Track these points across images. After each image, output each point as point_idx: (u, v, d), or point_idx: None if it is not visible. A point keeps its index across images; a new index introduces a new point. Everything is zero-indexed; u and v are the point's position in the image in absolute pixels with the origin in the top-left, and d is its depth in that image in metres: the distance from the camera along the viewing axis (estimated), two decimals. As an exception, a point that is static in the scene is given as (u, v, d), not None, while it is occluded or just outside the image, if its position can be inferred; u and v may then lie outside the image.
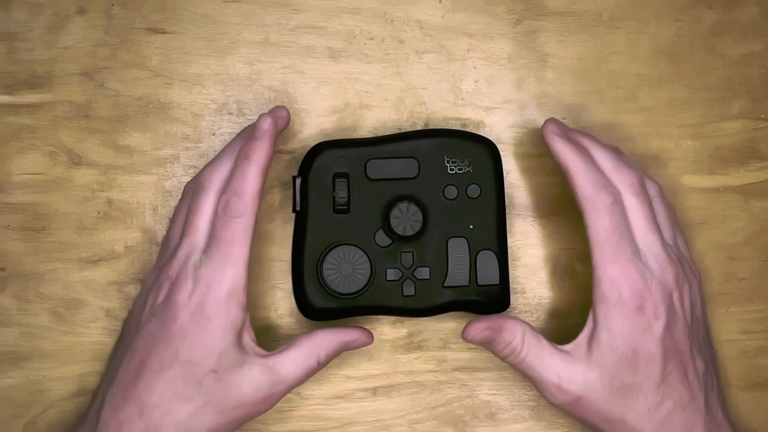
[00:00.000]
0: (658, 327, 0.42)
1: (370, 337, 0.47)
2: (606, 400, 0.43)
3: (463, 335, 0.45)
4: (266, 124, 0.43)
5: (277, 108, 0.46)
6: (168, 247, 0.46)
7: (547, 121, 0.46)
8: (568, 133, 0.46)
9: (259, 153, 0.43)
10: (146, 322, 0.43)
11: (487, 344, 0.45)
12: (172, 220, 0.48)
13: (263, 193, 0.45)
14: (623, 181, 0.44)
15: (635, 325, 0.42)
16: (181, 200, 0.47)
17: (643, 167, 0.49)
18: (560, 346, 0.44)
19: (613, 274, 0.43)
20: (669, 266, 0.43)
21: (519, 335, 0.44)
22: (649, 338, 0.42)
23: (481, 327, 0.44)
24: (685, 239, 0.48)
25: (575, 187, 0.44)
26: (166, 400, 0.41)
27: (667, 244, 0.44)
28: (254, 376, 0.43)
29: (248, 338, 0.43)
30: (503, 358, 0.45)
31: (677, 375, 0.43)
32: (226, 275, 0.42)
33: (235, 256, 0.42)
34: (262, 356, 0.43)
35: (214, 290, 0.42)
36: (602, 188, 0.44)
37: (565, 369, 0.43)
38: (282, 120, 0.46)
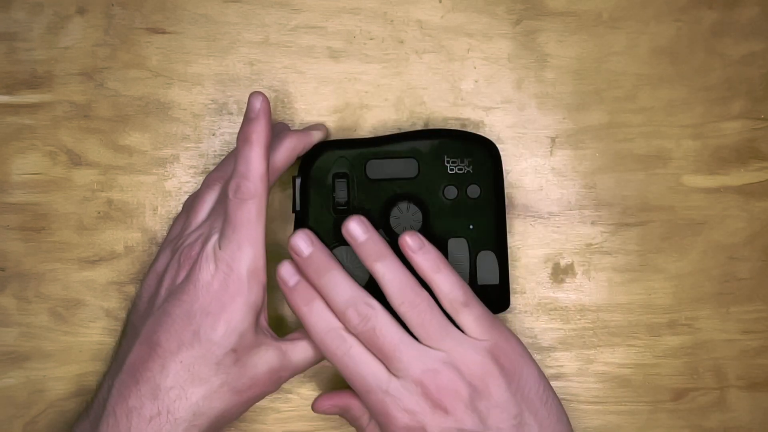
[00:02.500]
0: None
1: None
2: None
3: (313, 406, 0.47)
4: (258, 103, 0.43)
5: (253, 94, 0.44)
6: (172, 234, 0.47)
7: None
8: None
9: (258, 133, 0.43)
10: (162, 303, 0.43)
11: (340, 415, 0.47)
12: (172, 224, 0.48)
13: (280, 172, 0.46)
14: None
15: None
16: (181, 212, 0.48)
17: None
18: None
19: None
20: (426, 380, 0.42)
21: (366, 414, 0.46)
22: None
23: (329, 403, 0.47)
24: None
25: (308, 332, 0.44)
26: (182, 382, 0.41)
27: (423, 356, 0.43)
28: (269, 358, 0.44)
29: (263, 320, 0.44)
30: (355, 428, 0.47)
31: None
32: (246, 255, 0.43)
33: (252, 237, 0.43)
34: (276, 340, 0.44)
35: (235, 270, 0.42)
36: (335, 329, 0.44)
37: None
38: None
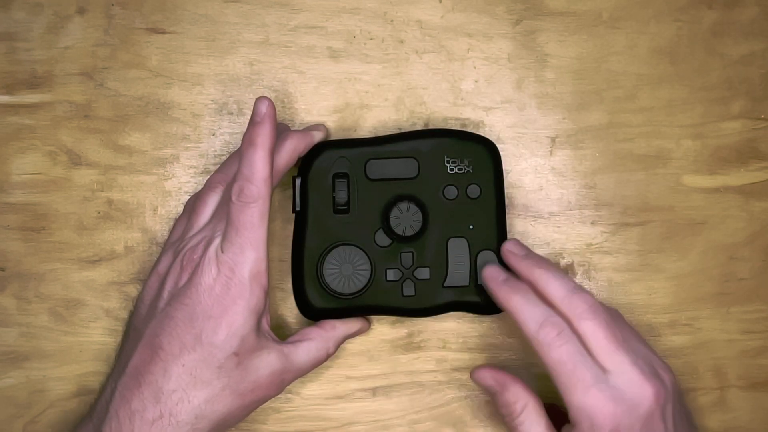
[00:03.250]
0: None
1: (368, 324, 0.49)
2: None
3: (472, 373, 0.47)
4: (264, 107, 0.44)
5: (260, 99, 0.44)
6: (174, 236, 0.47)
7: (507, 242, 0.46)
8: (521, 261, 0.45)
9: (263, 137, 0.43)
10: (165, 306, 0.43)
11: (491, 394, 0.47)
12: (174, 226, 0.48)
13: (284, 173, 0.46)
14: (574, 308, 0.43)
15: None
16: (182, 213, 0.48)
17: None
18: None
19: (579, 403, 0.42)
20: (645, 384, 0.42)
21: (521, 402, 0.45)
22: None
23: (489, 375, 0.46)
24: (651, 347, 0.46)
25: (522, 329, 0.44)
26: (184, 385, 0.41)
27: (639, 361, 0.43)
28: (271, 361, 0.43)
29: (265, 323, 0.44)
30: (502, 415, 0.46)
31: None
32: (248, 258, 0.43)
33: (255, 240, 0.43)
34: (278, 343, 0.44)
35: (238, 273, 0.42)
36: (544, 323, 0.43)
37: None
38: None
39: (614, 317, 0.45)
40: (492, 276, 0.45)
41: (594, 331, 0.42)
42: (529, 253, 0.46)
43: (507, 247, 0.46)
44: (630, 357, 0.42)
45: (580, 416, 0.42)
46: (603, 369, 0.42)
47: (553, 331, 0.42)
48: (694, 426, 0.46)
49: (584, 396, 0.42)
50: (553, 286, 0.43)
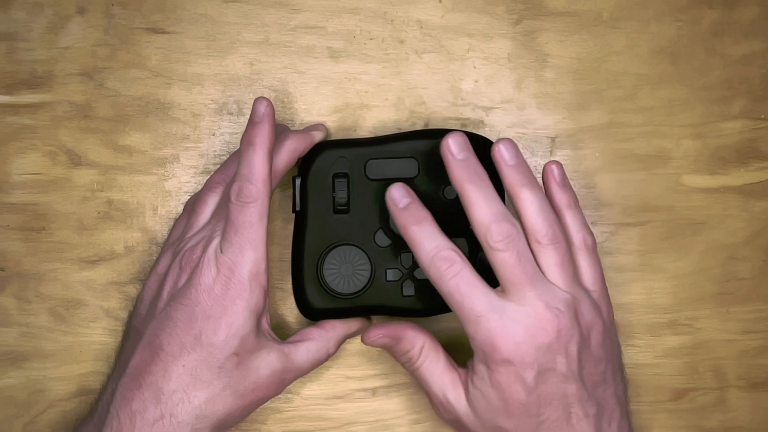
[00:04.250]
0: (529, 376, 0.41)
1: (368, 324, 0.49)
2: None
3: (363, 339, 0.46)
4: (263, 107, 0.44)
5: (258, 99, 0.45)
6: (173, 236, 0.47)
7: (499, 140, 0.44)
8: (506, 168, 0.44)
9: (262, 137, 0.43)
10: (164, 306, 0.43)
11: (387, 349, 0.46)
12: (174, 226, 0.48)
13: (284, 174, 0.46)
14: (491, 236, 0.42)
15: (504, 376, 0.41)
16: (182, 213, 0.48)
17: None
18: (456, 367, 0.44)
19: (471, 333, 0.42)
20: (545, 316, 0.41)
21: (417, 346, 0.45)
22: (519, 388, 0.41)
23: (380, 333, 0.45)
24: (602, 282, 0.45)
25: (418, 262, 0.43)
26: (185, 385, 0.41)
27: (546, 296, 0.42)
28: (271, 361, 0.43)
29: (265, 323, 0.44)
30: (402, 364, 0.46)
31: (558, 420, 0.42)
32: (248, 258, 0.43)
33: (254, 240, 0.43)
34: (278, 342, 0.44)
35: (237, 273, 0.42)
36: (435, 256, 0.42)
37: (451, 391, 0.44)
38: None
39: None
40: (394, 199, 0.44)
41: (503, 263, 0.41)
42: (466, 158, 0.43)
43: (497, 147, 0.43)
44: (536, 292, 0.41)
45: (475, 346, 0.42)
46: (506, 300, 0.41)
47: (443, 264, 0.42)
48: (614, 374, 0.44)
49: (475, 326, 0.41)
50: (480, 209, 0.42)
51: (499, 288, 0.42)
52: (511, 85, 0.51)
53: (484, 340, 0.41)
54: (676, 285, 0.51)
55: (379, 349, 0.50)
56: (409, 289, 0.46)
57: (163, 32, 0.50)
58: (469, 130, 0.50)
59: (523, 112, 0.51)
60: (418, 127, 0.51)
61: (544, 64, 0.51)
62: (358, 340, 0.50)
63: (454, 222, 0.47)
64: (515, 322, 0.41)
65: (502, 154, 0.43)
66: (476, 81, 0.51)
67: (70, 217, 0.50)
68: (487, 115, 0.51)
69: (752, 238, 0.51)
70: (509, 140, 0.43)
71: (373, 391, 0.50)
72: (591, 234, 0.45)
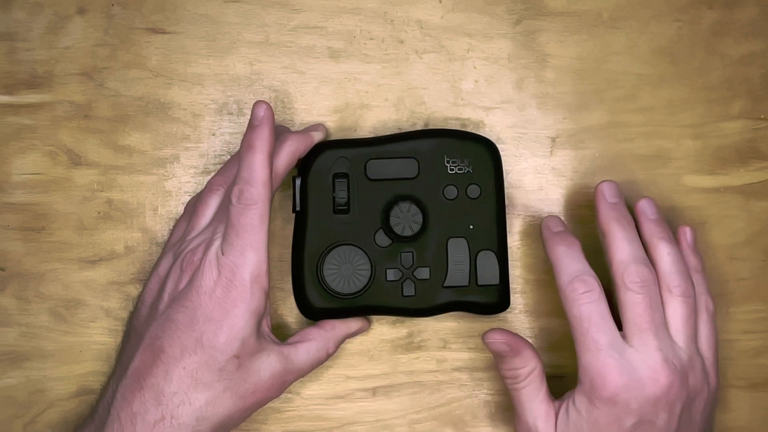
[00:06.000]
0: (628, 422, 0.42)
1: (368, 324, 0.49)
2: None
3: (483, 336, 0.46)
4: (262, 110, 0.44)
5: (257, 103, 0.45)
6: (174, 238, 0.47)
7: (602, 183, 0.47)
8: (606, 207, 0.47)
9: (262, 140, 0.43)
10: (165, 308, 0.43)
11: (498, 357, 0.46)
12: (174, 227, 0.48)
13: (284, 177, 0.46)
14: (627, 276, 0.43)
15: (603, 415, 0.42)
16: (182, 215, 0.48)
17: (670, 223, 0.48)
18: (553, 400, 0.45)
19: (586, 362, 0.43)
20: (662, 371, 0.42)
21: (529, 367, 0.45)
22: (614, 430, 0.42)
23: (503, 339, 0.45)
24: (716, 351, 0.46)
25: (556, 280, 0.45)
26: (186, 387, 0.41)
27: (667, 350, 0.43)
28: (271, 363, 0.44)
29: (266, 326, 0.44)
30: (502, 377, 0.46)
31: None
32: (249, 261, 0.43)
33: (255, 243, 0.43)
34: (278, 344, 0.45)
35: (238, 276, 0.42)
36: (576, 279, 0.44)
37: (543, 422, 0.44)
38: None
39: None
40: (548, 225, 0.47)
41: (633, 305, 0.43)
42: (617, 203, 0.46)
43: (601, 188, 0.47)
44: (659, 342, 0.42)
45: (584, 375, 0.43)
46: (626, 342, 0.43)
47: (581, 288, 0.43)
48: (704, 419, 0.45)
49: (593, 357, 0.42)
50: (623, 248, 0.44)
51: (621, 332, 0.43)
52: (511, 86, 0.51)
53: (597, 372, 0.42)
54: (676, 285, 0.51)
55: (381, 349, 0.50)
56: (409, 289, 0.46)
57: (163, 32, 0.50)
58: (469, 130, 0.50)
59: (524, 113, 0.51)
60: (419, 127, 0.51)
61: (544, 64, 0.51)
62: (358, 340, 0.50)
63: (454, 222, 0.47)
64: (631, 365, 0.42)
65: (644, 209, 0.46)
66: (476, 81, 0.51)
67: (70, 217, 0.50)
68: (487, 115, 0.51)
69: (752, 238, 0.51)
70: (649, 198, 0.47)
71: (374, 391, 0.50)
72: (713, 301, 0.46)
